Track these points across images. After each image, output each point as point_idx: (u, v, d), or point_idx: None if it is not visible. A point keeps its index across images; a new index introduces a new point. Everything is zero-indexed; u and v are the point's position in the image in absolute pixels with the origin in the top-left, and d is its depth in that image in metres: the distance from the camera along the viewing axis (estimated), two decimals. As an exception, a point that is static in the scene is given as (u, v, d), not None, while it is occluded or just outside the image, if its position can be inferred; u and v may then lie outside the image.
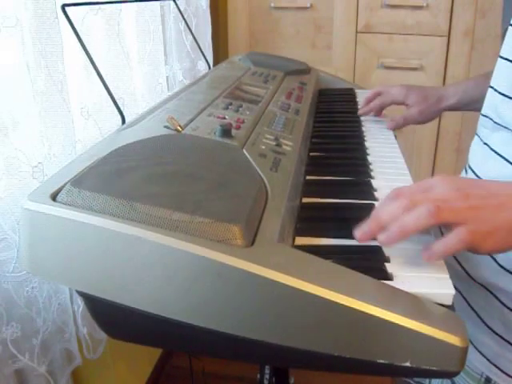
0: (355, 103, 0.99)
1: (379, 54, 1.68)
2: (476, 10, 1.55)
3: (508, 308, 0.57)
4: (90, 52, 0.62)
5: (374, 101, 0.89)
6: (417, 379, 0.76)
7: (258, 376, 0.90)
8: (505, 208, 0.41)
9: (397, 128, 0.86)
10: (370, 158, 0.69)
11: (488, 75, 0.83)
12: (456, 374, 0.36)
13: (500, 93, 0.59)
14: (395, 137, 0.83)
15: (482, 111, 0.64)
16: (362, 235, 0.43)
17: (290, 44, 1.74)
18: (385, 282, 0.40)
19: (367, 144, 0.76)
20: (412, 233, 0.41)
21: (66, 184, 0.41)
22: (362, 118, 0.89)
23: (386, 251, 0.44)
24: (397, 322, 0.35)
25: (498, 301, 0.58)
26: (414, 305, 0.38)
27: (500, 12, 0.80)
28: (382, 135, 0.81)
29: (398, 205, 0.42)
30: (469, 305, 0.62)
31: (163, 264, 0.37)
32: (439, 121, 1.69)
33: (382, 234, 0.42)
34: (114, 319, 0.43)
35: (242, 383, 1.52)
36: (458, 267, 0.64)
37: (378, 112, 0.91)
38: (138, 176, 0.43)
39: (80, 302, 0.86)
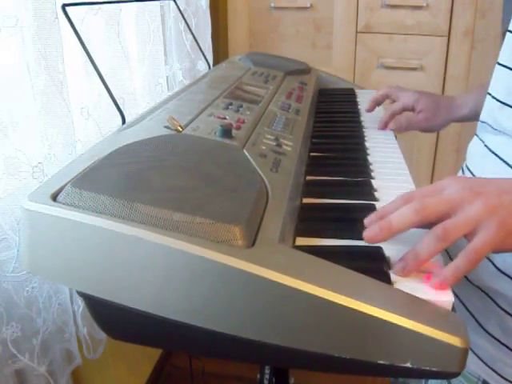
0: (355, 103, 0.99)
1: (379, 54, 1.68)
2: (476, 9, 1.55)
3: (505, 311, 0.56)
4: (90, 52, 0.62)
5: (386, 113, 0.86)
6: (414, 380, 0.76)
7: (258, 376, 0.90)
8: None
9: (399, 130, 0.85)
10: (370, 158, 0.69)
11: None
12: (456, 374, 0.36)
13: (497, 100, 0.58)
14: (395, 137, 0.83)
15: (481, 118, 0.64)
16: (372, 236, 0.42)
17: (290, 44, 1.74)
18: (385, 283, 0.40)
19: (367, 144, 0.76)
20: (427, 260, 0.41)
21: (66, 184, 0.41)
22: (362, 118, 0.89)
23: (387, 252, 0.44)
24: (397, 322, 0.35)
25: (496, 304, 0.58)
26: (415, 305, 0.38)
27: (500, 12, 0.80)
28: (382, 135, 0.81)
29: (409, 207, 0.42)
30: (466, 308, 0.62)
31: (163, 264, 0.37)
32: (439, 121, 1.69)
33: (398, 265, 0.41)
34: (114, 319, 0.43)
35: (241, 383, 1.52)
36: None
37: (389, 122, 0.87)
38: (138, 176, 0.43)
39: (80, 302, 0.86)
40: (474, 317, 0.61)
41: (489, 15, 1.54)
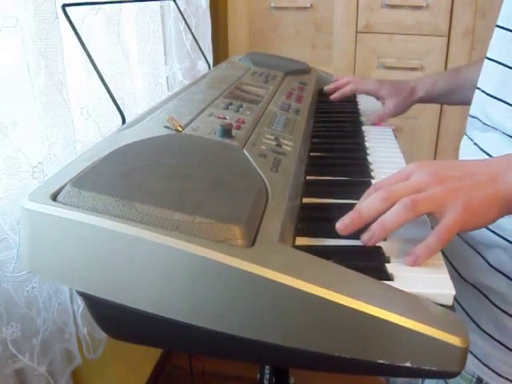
0: (355, 103, 0.99)
1: (379, 54, 1.68)
2: (476, 9, 1.55)
3: (498, 308, 0.57)
4: (90, 52, 0.62)
5: (346, 86, 0.92)
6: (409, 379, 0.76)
7: (258, 376, 0.90)
8: (481, 186, 0.42)
9: (374, 124, 0.88)
10: (369, 158, 0.69)
11: (459, 70, 0.86)
12: (456, 374, 0.36)
13: (487, 94, 0.59)
14: (395, 137, 0.83)
15: (470, 112, 0.64)
16: (344, 228, 0.44)
17: (290, 44, 1.74)
18: (385, 282, 0.40)
19: (367, 144, 0.76)
20: (393, 230, 0.42)
21: (66, 184, 0.41)
22: (362, 118, 0.89)
23: (387, 251, 0.44)
24: (397, 322, 0.35)
25: (489, 300, 0.58)
26: (415, 305, 0.38)
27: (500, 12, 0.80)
28: (382, 135, 0.81)
29: (376, 196, 0.43)
30: (459, 305, 0.62)
31: (163, 264, 0.37)
32: (439, 121, 1.69)
33: (365, 234, 0.43)
34: (114, 319, 0.43)
35: (241, 383, 1.52)
36: (449, 266, 0.64)
37: (342, 97, 0.94)
38: (139, 176, 0.43)
39: (80, 302, 0.86)
40: (467, 314, 0.61)
41: (489, 15, 1.54)
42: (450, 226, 0.41)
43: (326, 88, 0.96)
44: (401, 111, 0.89)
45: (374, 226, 0.43)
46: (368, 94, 0.91)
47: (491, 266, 0.57)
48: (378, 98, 0.91)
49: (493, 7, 1.52)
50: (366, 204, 0.44)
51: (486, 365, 0.59)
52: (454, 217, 0.41)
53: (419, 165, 0.45)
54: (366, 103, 0.99)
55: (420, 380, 0.72)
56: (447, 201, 0.41)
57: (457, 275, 0.63)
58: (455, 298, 0.63)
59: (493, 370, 0.58)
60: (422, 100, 0.88)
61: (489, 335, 0.58)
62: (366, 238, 0.43)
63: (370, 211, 0.43)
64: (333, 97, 0.94)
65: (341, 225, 0.44)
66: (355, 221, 0.44)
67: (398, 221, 0.41)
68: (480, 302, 0.59)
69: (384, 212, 0.43)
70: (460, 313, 0.62)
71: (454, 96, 0.86)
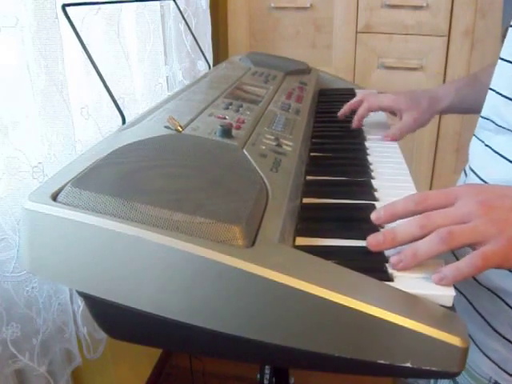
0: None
1: (379, 54, 1.68)
2: (476, 9, 1.55)
3: None
4: (90, 52, 0.62)
5: (361, 107, 0.83)
6: (420, 380, 0.75)
7: (258, 376, 0.90)
8: None
9: (394, 140, 0.81)
10: (369, 158, 0.69)
11: (475, 76, 0.80)
12: (457, 374, 0.36)
13: (502, 95, 0.58)
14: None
15: (483, 113, 0.63)
16: (375, 244, 0.43)
17: (290, 44, 1.74)
18: (385, 282, 0.40)
19: (367, 144, 0.76)
20: (424, 260, 0.41)
21: (66, 184, 0.41)
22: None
23: (387, 252, 0.44)
24: (397, 322, 0.35)
25: (506, 304, 0.57)
26: (415, 305, 0.38)
27: (500, 12, 0.80)
28: (382, 135, 0.81)
29: (415, 221, 0.42)
30: (475, 309, 0.61)
31: (163, 264, 0.37)
32: (439, 121, 1.69)
33: (395, 257, 0.42)
34: (114, 319, 0.43)
35: (241, 383, 1.52)
36: None
37: (360, 119, 0.84)
38: (139, 176, 0.43)
39: (80, 302, 0.86)
40: (484, 318, 0.60)
41: (489, 15, 1.54)
42: (488, 256, 0.39)
43: (340, 114, 0.87)
44: (420, 125, 0.82)
45: (406, 251, 0.41)
46: (383, 110, 0.84)
47: (508, 269, 0.56)
48: (394, 113, 0.83)
49: (493, 7, 1.52)
50: (403, 228, 0.42)
51: (503, 369, 0.58)
52: (495, 248, 0.39)
53: (469, 189, 0.43)
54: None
55: (432, 380, 0.71)
56: (490, 232, 0.39)
57: (472, 279, 0.61)
58: (471, 303, 0.62)
59: (510, 375, 0.57)
60: (445, 110, 0.81)
61: (506, 339, 0.57)
62: (395, 261, 0.42)
63: (406, 236, 0.42)
64: (355, 124, 0.83)
65: (372, 241, 0.43)
66: (388, 242, 0.42)
67: (430, 251, 0.40)
68: (496, 305, 0.58)
69: (419, 238, 0.41)
70: (476, 317, 0.61)
71: (478, 105, 0.76)
